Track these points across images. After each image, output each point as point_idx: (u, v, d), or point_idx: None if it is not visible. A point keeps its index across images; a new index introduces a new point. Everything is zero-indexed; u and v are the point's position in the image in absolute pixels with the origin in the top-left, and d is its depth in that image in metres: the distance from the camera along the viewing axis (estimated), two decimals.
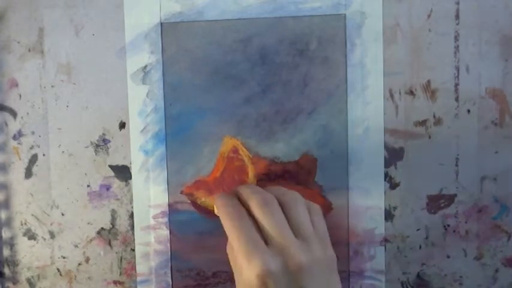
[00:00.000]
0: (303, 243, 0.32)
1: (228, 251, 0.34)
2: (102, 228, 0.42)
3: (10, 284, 0.43)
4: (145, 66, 0.40)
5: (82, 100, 0.41)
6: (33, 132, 0.41)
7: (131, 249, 0.42)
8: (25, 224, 0.42)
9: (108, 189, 0.41)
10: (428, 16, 0.39)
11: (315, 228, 0.33)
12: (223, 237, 0.41)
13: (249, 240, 0.31)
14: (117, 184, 0.41)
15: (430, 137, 0.40)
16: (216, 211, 0.35)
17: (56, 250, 0.42)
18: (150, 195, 0.41)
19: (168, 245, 0.41)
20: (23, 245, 0.42)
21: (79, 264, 0.42)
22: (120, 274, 0.42)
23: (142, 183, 0.41)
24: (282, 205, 0.33)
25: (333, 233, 0.40)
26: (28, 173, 0.42)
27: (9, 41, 0.41)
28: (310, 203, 0.35)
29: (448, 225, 0.40)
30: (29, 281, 0.43)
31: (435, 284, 0.41)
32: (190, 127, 0.40)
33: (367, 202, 0.40)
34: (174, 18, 0.40)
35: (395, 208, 0.40)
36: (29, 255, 0.42)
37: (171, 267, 0.41)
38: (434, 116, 0.40)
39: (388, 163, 0.40)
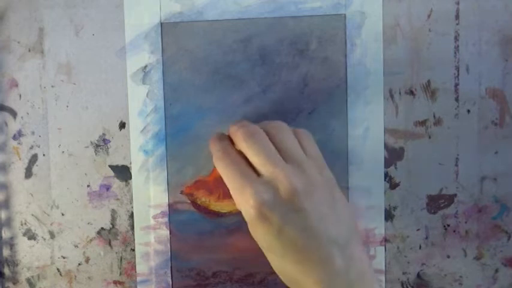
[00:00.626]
0: (294, 168, 0.31)
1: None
2: (102, 228, 0.42)
3: (10, 284, 0.43)
4: (146, 66, 0.40)
5: (82, 100, 0.41)
6: (33, 132, 0.41)
7: (131, 249, 0.42)
8: (25, 224, 0.42)
9: (108, 189, 0.41)
10: (428, 16, 0.39)
11: (307, 153, 0.32)
12: (223, 237, 0.41)
13: (239, 174, 0.31)
14: (117, 184, 0.41)
15: (430, 137, 0.40)
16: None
17: (56, 250, 0.42)
18: (150, 195, 0.41)
19: (168, 245, 0.41)
20: (23, 245, 0.42)
21: (79, 264, 0.42)
22: (120, 274, 0.42)
23: (142, 183, 0.41)
24: (268, 135, 0.32)
25: None
26: (28, 173, 0.42)
27: (9, 41, 0.41)
28: (298, 130, 0.34)
29: (448, 225, 0.40)
30: (29, 281, 0.43)
31: (435, 284, 0.41)
32: (190, 127, 0.40)
33: (367, 202, 0.40)
34: (174, 18, 0.40)
35: (395, 208, 0.40)
36: (29, 255, 0.42)
37: (171, 267, 0.41)
38: (434, 116, 0.40)
39: (388, 163, 0.40)
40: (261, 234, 0.30)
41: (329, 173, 0.33)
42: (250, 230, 0.31)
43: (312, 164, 0.32)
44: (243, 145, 0.32)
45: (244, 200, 0.30)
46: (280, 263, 0.31)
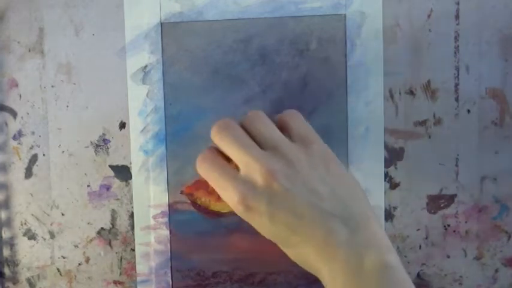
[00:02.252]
0: (272, 153, 0.30)
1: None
2: (102, 228, 0.42)
3: (10, 284, 0.43)
4: (146, 66, 0.40)
5: (82, 100, 0.41)
6: (33, 132, 0.41)
7: (131, 249, 0.42)
8: (25, 224, 0.42)
9: (108, 189, 0.41)
10: (428, 16, 0.39)
11: (292, 133, 0.32)
12: (223, 237, 0.41)
13: (220, 174, 0.31)
14: (117, 184, 0.41)
15: (430, 137, 0.40)
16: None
17: (56, 250, 0.42)
18: (150, 195, 0.41)
19: (168, 245, 0.41)
20: (23, 245, 0.42)
21: (79, 264, 0.42)
22: (120, 274, 0.42)
23: (142, 183, 0.41)
24: (242, 126, 0.32)
25: None
26: (28, 173, 0.42)
27: (9, 41, 0.41)
28: (284, 112, 0.33)
29: (448, 225, 0.40)
30: (29, 281, 0.43)
31: (435, 284, 0.41)
32: (190, 127, 0.40)
33: None
34: (174, 18, 0.40)
35: (395, 208, 0.40)
36: (29, 255, 0.42)
37: (171, 267, 0.41)
38: (434, 116, 0.40)
39: (388, 163, 0.40)
40: (257, 227, 0.30)
41: (321, 147, 0.32)
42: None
43: (294, 145, 0.31)
44: (216, 140, 0.32)
45: (230, 199, 0.30)
46: (291, 250, 0.30)
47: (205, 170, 0.32)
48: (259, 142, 0.31)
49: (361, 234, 0.29)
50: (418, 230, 0.40)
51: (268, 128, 0.32)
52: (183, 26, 0.40)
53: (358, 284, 0.27)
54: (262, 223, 0.30)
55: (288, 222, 0.29)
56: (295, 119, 0.33)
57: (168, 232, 0.41)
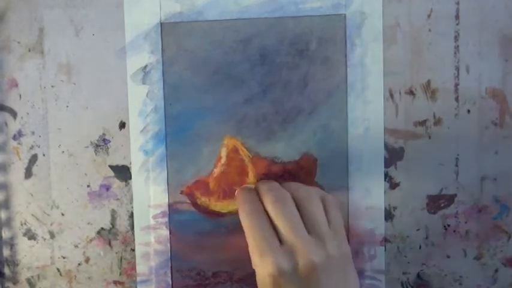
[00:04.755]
0: (316, 241, 0.31)
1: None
2: (102, 228, 0.42)
3: (10, 284, 0.43)
4: (146, 66, 0.40)
5: (82, 100, 0.41)
6: (33, 132, 0.41)
7: (131, 249, 0.42)
8: (25, 224, 0.42)
9: (108, 189, 0.41)
10: (428, 16, 0.39)
11: (331, 224, 0.33)
12: (223, 237, 0.41)
13: (263, 238, 0.31)
14: (117, 184, 0.41)
15: (430, 137, 0.40)
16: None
17: (56, 250, 0.42)
18: (150, 195, 0.41)
19: (168, 245, 0.41)
20: (23, 245, 0.42)
21: (79, 264, 0.42)
22: (120, 274, 0.42)
23: (142, 183, 0.41)
24: (296, 201, 0.33)
25: None
26: (28, 173, 0.42)
27: (9, 41, 0.41)
28: (326, 196, 0.35)
29: (448, 225, 0.40)
30: (29, 281, 0.43)
31: (435, 284, 0.41)
32: (190, 127, 0.40)
33: (367, 202, 0.40)
34: (174, 18, 0.40)
35: (395, 208, 0.40)
36: (29, 255, 0.42)
37: (171, 267, 0.41)
38: (434, 116, 0.40)
39: (388, 163, 0.40)
40: None
41: (346, 247, 0.33)
42: None
43: (333, 237, 0.32)
44: (270, 208, 0.33)
45: (262, 265, 0.31)
46: None
47: (250, 222, 0.33)
48: (307, 224, 0.32)
49: None
50: (418, 230, 0.40)
51: (319, 215, 0.33)
52: (183, 26, 0.40)
53: None
54: None
55: None
56: (334, 207, 0.34)
57: (168, 232, 0.41)
